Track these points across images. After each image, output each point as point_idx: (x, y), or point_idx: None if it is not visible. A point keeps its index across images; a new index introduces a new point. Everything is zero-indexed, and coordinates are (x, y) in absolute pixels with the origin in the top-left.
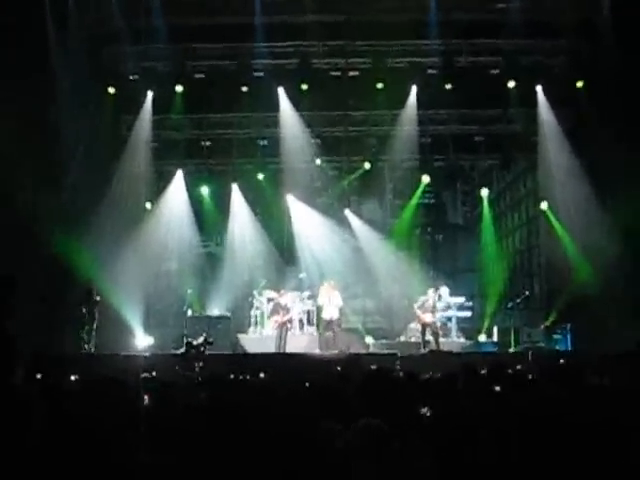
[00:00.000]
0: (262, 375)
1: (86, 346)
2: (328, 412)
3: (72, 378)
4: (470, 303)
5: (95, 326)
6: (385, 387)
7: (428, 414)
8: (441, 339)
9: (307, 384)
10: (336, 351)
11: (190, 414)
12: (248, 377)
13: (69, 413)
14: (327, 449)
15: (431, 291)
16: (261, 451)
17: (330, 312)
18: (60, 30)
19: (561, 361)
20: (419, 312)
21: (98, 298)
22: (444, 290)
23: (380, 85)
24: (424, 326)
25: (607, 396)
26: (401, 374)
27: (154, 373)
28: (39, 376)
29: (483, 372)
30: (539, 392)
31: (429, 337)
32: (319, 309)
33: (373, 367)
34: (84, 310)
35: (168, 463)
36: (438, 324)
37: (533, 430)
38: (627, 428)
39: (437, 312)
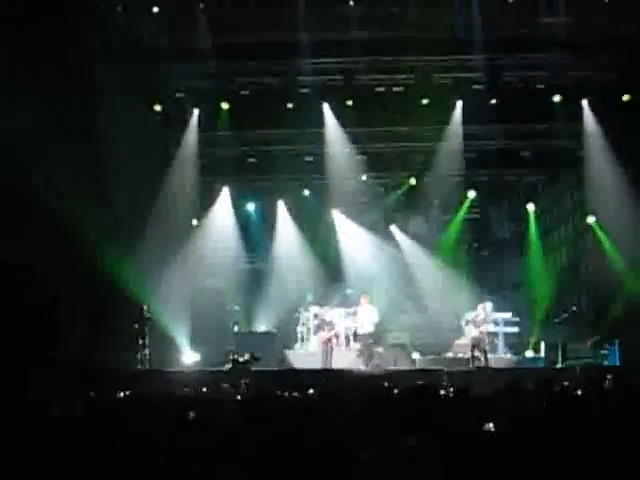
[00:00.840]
0: (305, 392)
1: (141, 363)
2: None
3: (121, 394)
4: (517, 319)
5: (147, 343)
6: (431, 403)
7: (492, 429)
8: (489, 355)
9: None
10: (372, 365)
11: (228, 431)
12: (295, 394)
13: (117, 429)
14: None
15: (480, 306)
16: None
17: (363, 326)
18: (106, 50)
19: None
20: (468, 327)
21: (149, 315)
22: (488, 305)
23: (425, 101)
24: (473, 342)
25: None
26: (451, 389)
27: (203, 389)
28: (92, 394)
29: (530, 389)
30: (586, 408)
31: (477, 353)
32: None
33: (420, 382)
34: (137, 327)
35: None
36: (487, 340)
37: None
38: None
39: (487, 327)
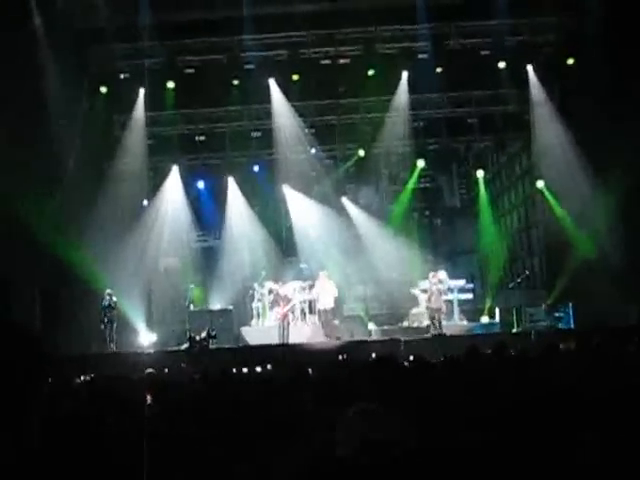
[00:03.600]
0: (265, 368)
1: (110, 346)
2: (329, 400)
3: (79, 379)
4: (471, 285)
5: (114, 327)
6: (390, 373)
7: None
8: (443, 322)
9: (310, 372)
10: (333, 339)
11: (191, 408)
12: (253, 369)
13: (74, 412)
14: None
15: (431, 275)
16: (258, 440)
17: (324, 302)
18: (48, 29)
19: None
20: (423, 296)
21: (115, 299)
22: (442, 273)
23: (371, 72)
24: (429, 311)
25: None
26: (410, 359)
27: (164, 370)
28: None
29: (487, 353)
30: (544, 371)
31: (434, 322)
32: (315, 300)
33: (374, 354)
34: (104, 313)
35: (171, 457)
36: (442, 308)
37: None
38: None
39: (440, 295)
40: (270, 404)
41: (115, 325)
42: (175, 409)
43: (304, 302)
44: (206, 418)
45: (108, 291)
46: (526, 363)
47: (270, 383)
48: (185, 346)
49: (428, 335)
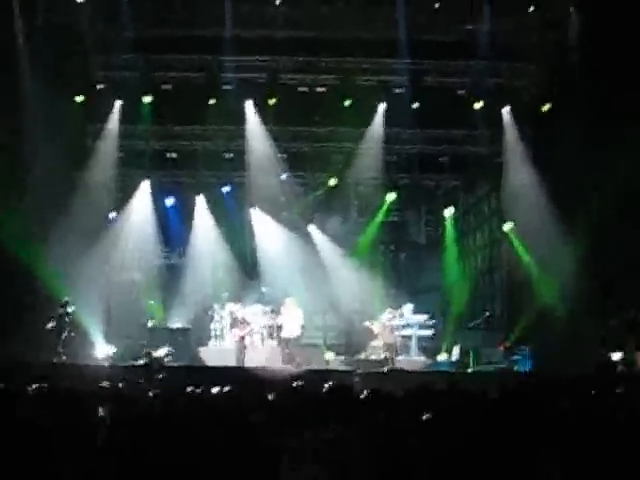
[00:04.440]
0: (221, 389)
1: (57, 357)
2: (285, 425)
3: (31, 387)
4: (433, 321)
5: (66, 336)
6: (345, 402)
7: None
8: (400, 357)
9: (267, 397)
10: (293, 366)
11: (143, 426)
12: (205, 390)
13: (23, 421)
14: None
15: (388, 310)
16: (210, 461)
17: (290, 330)
18: (28, 36)
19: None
20: (381, 330)
21: (70, 310)
22: (407, 307)
23: (347, 102)
24: (385, 346)
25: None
26: (365, 392)
27: (118, 384)
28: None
29: (440, 390)
30: (494, 412)
31: (389, 356)
32: (280, 328)
33: (329, 384)
34: (56, 321)
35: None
36: (398, 343)
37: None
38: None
39: (397, 331)
40: (223, 425)
41: (65, 335)
42: (128, 424)
43: (264, 327)
44: (158, 435)
45: (65, 299)
46: (479, 402)
47: (226, 404)
48: (142, 362)
49: (384, 369)
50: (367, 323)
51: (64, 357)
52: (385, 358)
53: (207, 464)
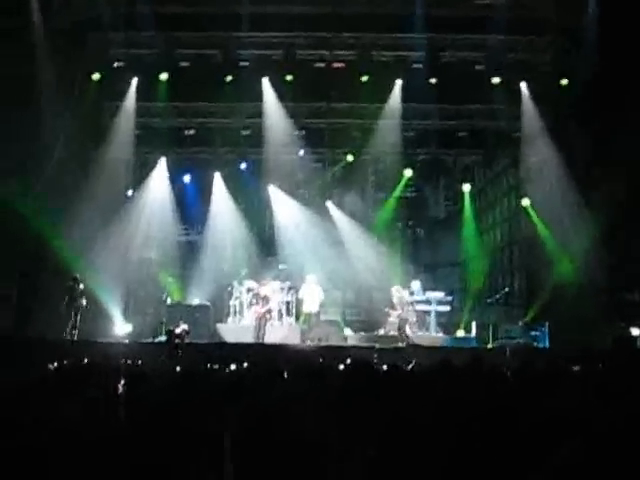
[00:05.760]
0: (241, 365)
1: (71, 333)
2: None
3: (50, 366)
4: (450, 298)
5: (79, 314)
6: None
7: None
8: (419, 333)
9: (285, 374)
10: (313, 343)
11: (163, 402)
12: (227, 367)
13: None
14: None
15: (395, 288)
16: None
17: (309, 306)
18: (45, 14)
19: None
20: (393, 307)
21: (82, 286)
22: (415, 284)
23: (365, 78)
24: (398, 322)
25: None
26: (384, 367)
27: (138, 362)
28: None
29: (460, 367)
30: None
31: (404, 332)
32: (299, 302)
33: (348, 361)
34: (67, 298)
35: (140, 450)
36: (412, 319)
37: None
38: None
39: (408, 306)
40: (243, 401)
41: (78, 312)
42: (150, 400)
43: (282, 303)
44: (181, 411)
45: (74, 276)
46: (500, 379)
47: (244, 380)
48: (161, 338)
49: (402, 344)
50: (393, 290)
51: (75, 335)
52: (400, 335)
53: (230, 442)
